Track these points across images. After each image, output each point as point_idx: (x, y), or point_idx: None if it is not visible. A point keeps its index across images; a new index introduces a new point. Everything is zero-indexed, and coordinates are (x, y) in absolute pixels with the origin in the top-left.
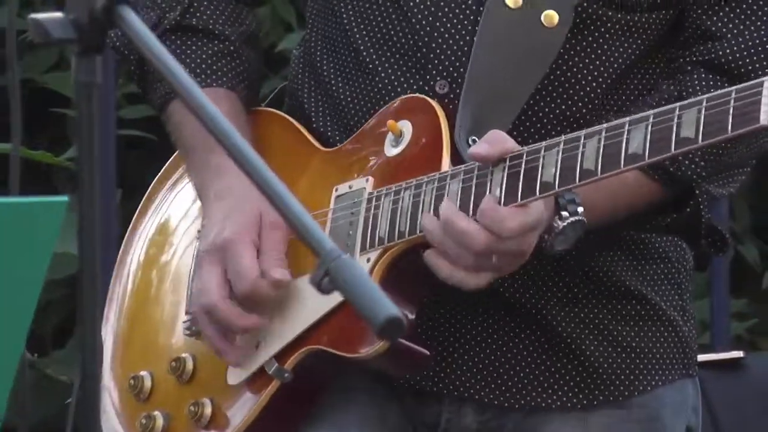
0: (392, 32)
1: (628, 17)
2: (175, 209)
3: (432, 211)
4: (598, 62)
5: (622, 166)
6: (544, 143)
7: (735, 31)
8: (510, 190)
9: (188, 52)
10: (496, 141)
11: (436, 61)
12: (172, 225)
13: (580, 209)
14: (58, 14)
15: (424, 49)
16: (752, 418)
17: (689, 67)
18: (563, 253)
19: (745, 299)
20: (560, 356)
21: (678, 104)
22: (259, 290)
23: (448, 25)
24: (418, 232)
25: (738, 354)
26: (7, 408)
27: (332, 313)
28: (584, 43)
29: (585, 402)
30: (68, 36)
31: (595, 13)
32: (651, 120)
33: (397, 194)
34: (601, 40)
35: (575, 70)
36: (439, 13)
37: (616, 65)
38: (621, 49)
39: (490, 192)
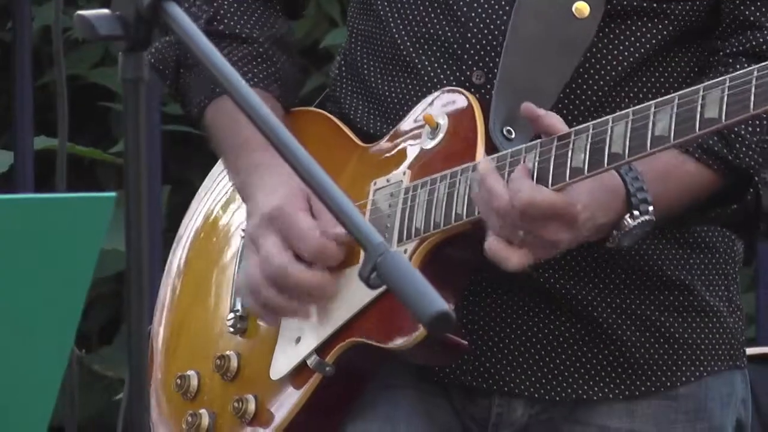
0: (429, 25)
1: (663, 5)
2: (217, 210)
3: (465, 199)
4: (632, 48)
5: (648, 148)
6: (573, 129)
7: None
8: (541, 175)
9: None
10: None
11: (472, 52)
12: (214, 225)
13: (651, 208)
14: (105, 11)
15: (461, 40)
16: None
17: (731, 59)
18: (626, 248)
19: None
20: (601, 348)
21: (701, 85)
22: (326, 248)
23: (483, 15)
24: (453, 222)
25: None
26: (55, 404)
27: (371, 305)
28: (617, 31)
29: (628, 393)
30: (115, 33)
31: (627, 2)
32: (676, 102)
33: (432, 185)
34: (633, 28)
35: (609, 58)
36: (475, 4)
37: (648, 52)
38: (653, 37)
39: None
